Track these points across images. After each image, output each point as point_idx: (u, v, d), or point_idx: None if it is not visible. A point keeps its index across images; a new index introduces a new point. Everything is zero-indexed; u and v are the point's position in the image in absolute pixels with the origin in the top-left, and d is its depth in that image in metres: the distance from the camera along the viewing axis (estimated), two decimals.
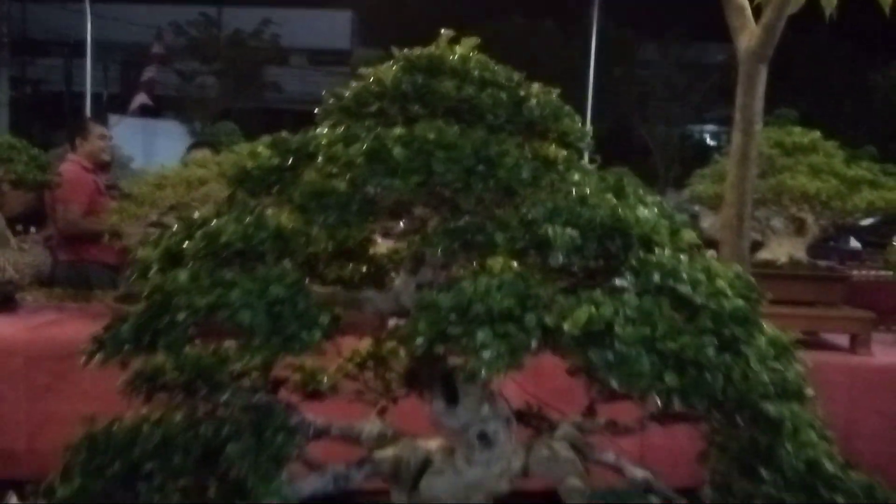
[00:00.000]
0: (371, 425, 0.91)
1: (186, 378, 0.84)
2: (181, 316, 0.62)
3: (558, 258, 0.62)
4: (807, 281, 2.97)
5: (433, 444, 0.85)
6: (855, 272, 4.37)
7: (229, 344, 0.91)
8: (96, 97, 7.68)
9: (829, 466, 0.61)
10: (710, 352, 0.56)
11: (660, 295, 0.60)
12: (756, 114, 1.91)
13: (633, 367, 0.55)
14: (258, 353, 0.61)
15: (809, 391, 0.63)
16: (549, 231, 0.62)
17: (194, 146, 4.15)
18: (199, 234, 0.72)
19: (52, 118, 8.38)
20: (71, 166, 3.49)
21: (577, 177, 0.73)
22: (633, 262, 0.63)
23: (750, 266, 2.18)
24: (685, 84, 9.28)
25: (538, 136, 0.74)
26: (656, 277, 0.61)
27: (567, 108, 0.76)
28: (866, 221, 5.06)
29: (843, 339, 2.95)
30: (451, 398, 0.79)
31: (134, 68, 8.39)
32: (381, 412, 0.98)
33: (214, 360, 0.87)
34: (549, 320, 0.57)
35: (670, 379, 0.55)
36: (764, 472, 0.63)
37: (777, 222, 3.04)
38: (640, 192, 0.75)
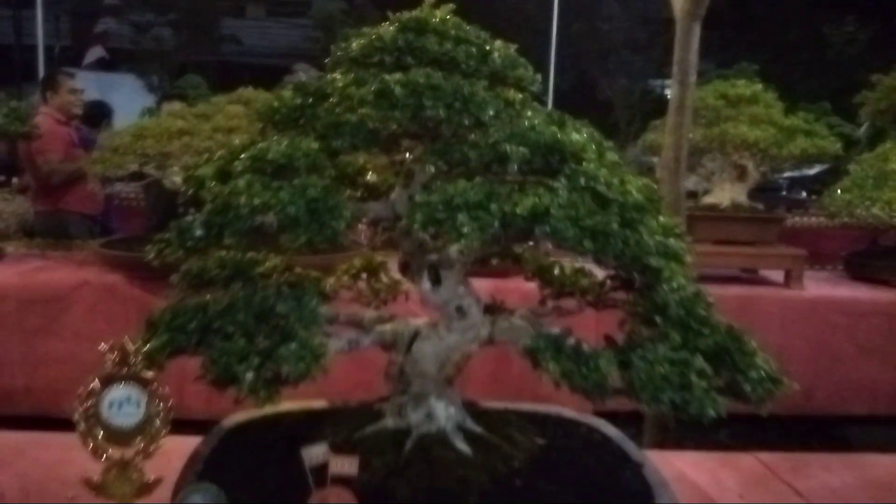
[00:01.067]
0: (370, 313, 1.19)
1: (227, 274, 1.11)
2: (244, 210, 0.88)
3: (513, 168, 0.90)
4: (746, 222, 3.33)
5: (420, 321, 1.13)
6: (796, 218, 4.77)
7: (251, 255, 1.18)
8: (48, 50, 7.63)
9: (700, 310, 0.91)
10: (615, 226, 0.85)
11: (583, 192, 0.88)
12: (691, 67, 2.20)
13: (562, 235, 0.83)
14: (303, 236, 0.87)
15: (688, 257, 0.92)
16: (507, 149, 0.89)
17: (166, 99, 4.32)
18: (244, 155, 0.98)
19: (2, 72, 8.31)
20: (44, 119, 3.66)
21: (529, 113, 1.01)
22: (567, 171, 0.91)
23: (685, 201, 2.50)
24: (646, 39, 9.57)
25: (500, 82, 1.01)
26: (582, 180, 0.89)
27: (522, 59, 1.03)
28: (811, 172, 5.46)
29: (779, 276, 3.32)
30: (436, 281, 1.07)
31: (87, 20, 8.33)
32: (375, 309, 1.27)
33: (249, 260, 1.14)
34: (506, 207, 0.85)
35: (587, 244, 0.84)
36: (657, 319, 0.92)
37: (718, 169, 3.37)
38: (576, 124, 1.04)
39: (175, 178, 3.65)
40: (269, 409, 1.27)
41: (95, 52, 9.00)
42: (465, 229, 0.83)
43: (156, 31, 9.11)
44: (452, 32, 1.00)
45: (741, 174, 3.40)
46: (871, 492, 1.43)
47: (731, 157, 3.34)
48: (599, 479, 1.07)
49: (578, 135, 0.97)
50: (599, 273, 1.19)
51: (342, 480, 0.90)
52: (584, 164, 0.93)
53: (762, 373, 0.90)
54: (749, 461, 1.57)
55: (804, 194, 6.10)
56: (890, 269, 3.32)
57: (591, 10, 9.78)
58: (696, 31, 2.24)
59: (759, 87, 3.38)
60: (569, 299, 1.24)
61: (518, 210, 0.84)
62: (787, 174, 5.90)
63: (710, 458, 1.59)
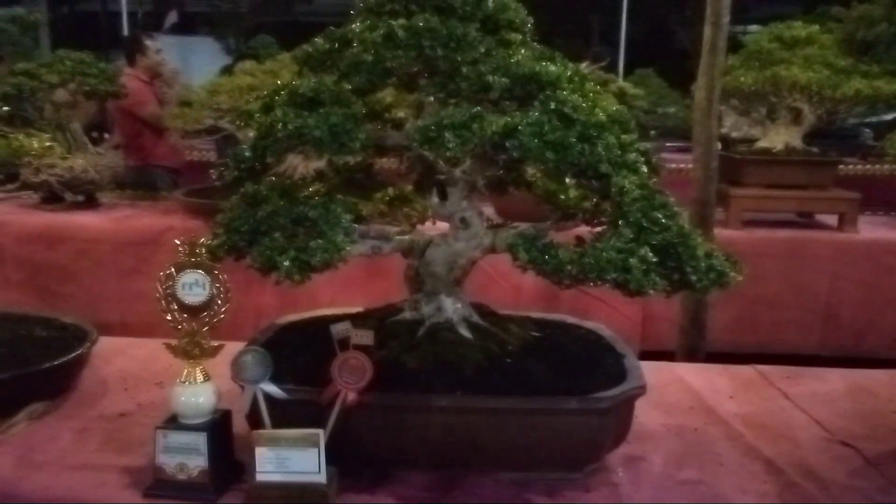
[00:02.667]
0: (395, 228, 1.43)
1: (276, 194, 1.36)
2: (281, 134, 1.13)
3: (495, 95, 1.12)
4: (799, 165, 3.39)
5: (433, 233, 1.37)
6: (866, 165, 4.72)
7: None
8: (131, 16, 8.14)
9: (657, 215, 1.10)
10: (573, 140, 1.05)
11: (552, 113, 1.09)
12: (724, 8, 2.31)
13: (527, 147, 1.04)
14: (326, 153, 1.12)
15: (643, 166, 1.11)
16: (491, 79, 1.11)
17: (240, 59, 4.66)
18: (283, 91, 1.23)
19: (90, 37, 8.90)
20: (130, 80, 4.04)
21: (523, 51, 1.22)
22: (542, 97, 1.12)
23: (717, 141, 2.61)
24: None
25: (494, 24, 1.22)
26: (552, 105, 1.10)
27: (514, 3, 1.23)
28: (887, 118, 5.33)
29: (833, 220, 3.38)
30: (443, 197, 1.31)
31: None
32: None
33: (294, 184, 1.39)
34: (484, 127, 1.07)
35: (549, 154, 1.05)
36: (620, 222, 1.13)
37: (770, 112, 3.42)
38: (562, 59, 1.24)
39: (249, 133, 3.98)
40: (313, 313, 1.55)
41: (171, 18, 9.52)
42: (451, 144, 1.06)
43: None
44: None
45: (796, 117, 3.45)
46: (854, 396, 1.60)
47: (785, 100, 3.40)
48: (582, 364, 1.29)
49: (555, 67, 1.17)
50: None
51: (361, 348, 1.15)
52: (558, 91, 1.14)
53: (706, 265, 1.09)
54: (748, 371, 1.75)
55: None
56: None
57: None
58: None
59: (815, 28, 3.40)
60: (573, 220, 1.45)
61: (493, 128, 1.06)
62: (868, 120, 5.77)
63: (712, 368, 1.78)
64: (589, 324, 1.53)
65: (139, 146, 4.12)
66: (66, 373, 1.50)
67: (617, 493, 1.19)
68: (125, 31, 7.53)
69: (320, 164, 3.64)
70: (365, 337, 1.16)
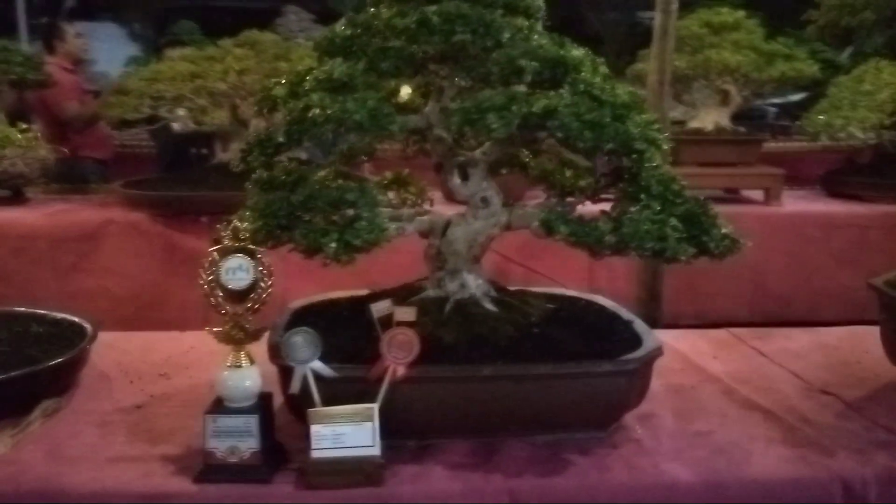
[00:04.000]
0: (407, 210, 1.48)
1: (293, 179, 1.39)
2: (320, 119, 1.17)
3: (527, 78, 1.19)
4: (728, 144, 3.63)
5: (451, 212, 1.43)
6: (780, 143, 5.07)
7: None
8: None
9: (675, 186, 1.21)
10: (608, 120, 1.14)
11: (582, 95, 1.17)
12: None
13: (569, 127, 1.12)
14: (366, 137, 1.16)
15: (664, 144, 1.22)
16: (523, 63, 1.18)
17: (168, 45, 4.52)
18: (309, 77, 1.26)
19: None
20: (53, 69, 3.86)
21: (536, 36, 1.29)
22: (569, 80, 1.20)
23: (669, 123, 2.78)
24: None
25: (512, 10, 1.29)
26: (581, 87, 1.18)
27: None
28: (798, 97, 5.72)
29: (759, 195, 3.64)
30: (464, 178, 1.37)
31: None
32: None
33: (308, 169, 1.42)
34: (524, 108, 1.14)
35: (587, 133, 1.13)
36: (642, 196, 1.22)
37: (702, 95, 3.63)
38: (575, 44, 1.33)
39: (174, 125, 3.89)
40: (322, 296, 1.58)
41: (70, 1, 9.04)
42: (494, 125, 1.12)
43: None
44: None
45: (724, 99, 3.68)
46: (821, 351, 1.77)
47: (714, 82, 3.62)
48: (599, 330, 1.39)
49: (577, 52, 1.25)
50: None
51: (404, 324, 1.21)
52: (582, 74, 1.22)
53: (722, 232, 1.21)
54: (722, 333, 1.91)
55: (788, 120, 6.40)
56: (862, 184, 3.64)
57: None
58: None
59: (741, 13, 3.64)
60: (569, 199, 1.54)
61: (534, 109, 1.13)
62: (772, 101, 6.18)
63: (690, 333, 1.92)
64: (587, 295, 1.63)
65: (65, 137, 3.94)
66: (73, 368, 1.48)
67: (642, 447, 1.30)
68: (20, 16, 7.12)
69: None
70: (408, 314, 1.21)
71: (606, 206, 1.33)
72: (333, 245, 1.16)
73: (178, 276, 3.19)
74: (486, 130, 1.14)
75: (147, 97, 3.19)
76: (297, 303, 1.55)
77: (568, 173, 1.52)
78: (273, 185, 1.38)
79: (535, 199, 1.51)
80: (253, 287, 1.18)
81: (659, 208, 1.18)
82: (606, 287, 3.33)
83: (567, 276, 3.16)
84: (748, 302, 3.46)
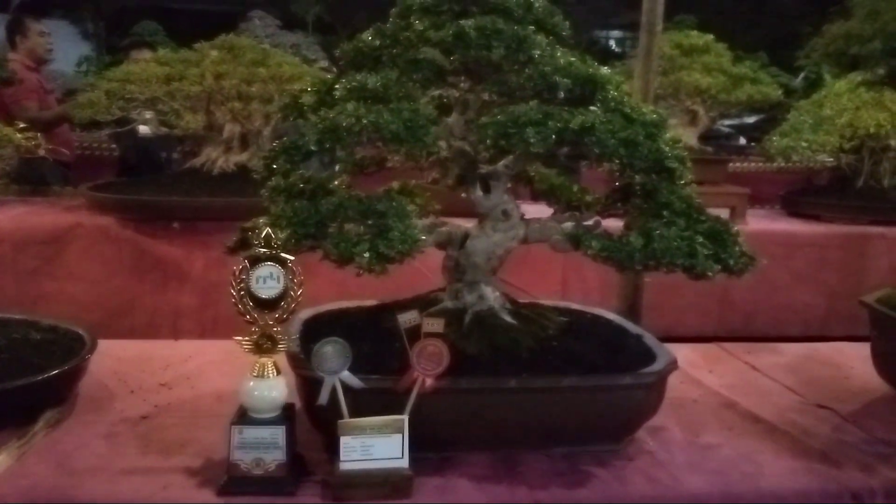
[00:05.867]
0: (424, 220, 1.49)
1: (312, 188, 1.38)
2: (356, 128, 1.16)
3: (560, 95, 1.21)
4: (695, 164, 3.71)
5: (468, 224, 1.44)
6: (738, 164, 5.24)
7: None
8: None
9: (696, 203, 1.25)
10: (641, 138, 1.17)
11: (615, 112, 1.20)
12: (657, 16, 2.53)
13: (605, 144, 1.15)
14: (403, 148, 1.16)
15: (687, 163, 1.26)
16: (557, 80, 1.20)
17: (133, 47, 4.42)
18: (338, 86, 1.25)
19: None
20: (16, 66, 3.73)
21: (559, 52, 1.32)
22: (600, 97, 1.23)
23: None
24: None
25: (540, 28, 1.31)
26: (612, 104, 1.21)
27: (557, 8, 1.33)
28: (751, 120, 5.94)
29: (724, 213, 3.75)
30: (486, 190, 1.38)
31: None
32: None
33: (325, 177, 1.41)
34: (560, 124, 1.16)
35: (622, 150, 1.16)
36: (665, 213, 1.26)
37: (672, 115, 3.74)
38: (596, 62, 1.36)
39: (142, 128, 3.80)
40: (333, 306, 1.57)
41: None
42: (532, 139, 1.14)
43: None
44: None
45: (693, 119, 3.80)
46: (809, 366, 1.84)
47: (683, 102, 3.73)
48: (613, 344, 1.42)
49: (605, 70, 1.28)
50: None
51: (432, 335, 1.21)
52: (611, 92, 1.25)
53: (742, 250, 1.25)
54: (713, 348, 1.96)
55: (743, 141, 6.63)
56: (821, 205, 3.79)
57: None
58: None
59: (710, 37, 3.76)
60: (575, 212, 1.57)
61: (572, 125, 1.15)
62: (728, 122, 6.39)
63: (681, 347, 1.97)
64: (592, 309, 1.66)
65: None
66: (75, 378, 1.43)
67: (657, 460, 1.33)
68: None
69: (240, 157, 3.54)
70: (436, 325, 1.21)
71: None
72: (367, 255, 1.15)
73: (148, 283, 3.12)
74: (524, 145, 1.15)
75: (119, 98, 3.11)
76: (305, 312, 1.53)
77: (575, 188, 1.55)
78: (291, 194, 1.37)
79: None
80: (283, 296, 1.17)
81: (684, 225, 1.21)
82: (580, 300, 3.39)
83: (541, 289, 3.20)
84: (715, 317, 3.56)
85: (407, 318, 1.23)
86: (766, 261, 1.31)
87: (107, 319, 3.06)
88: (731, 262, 1.24)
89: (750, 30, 9.53)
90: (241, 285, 1.16)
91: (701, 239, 1.19)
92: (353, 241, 1.17)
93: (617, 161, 1.17)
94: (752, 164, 5.21)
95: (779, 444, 1.40)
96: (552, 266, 3.30)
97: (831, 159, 3.95)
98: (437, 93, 1.42)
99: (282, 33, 5.61)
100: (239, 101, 3.16)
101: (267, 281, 1.16)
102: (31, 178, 3.66)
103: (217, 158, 3.31)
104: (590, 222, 1.32)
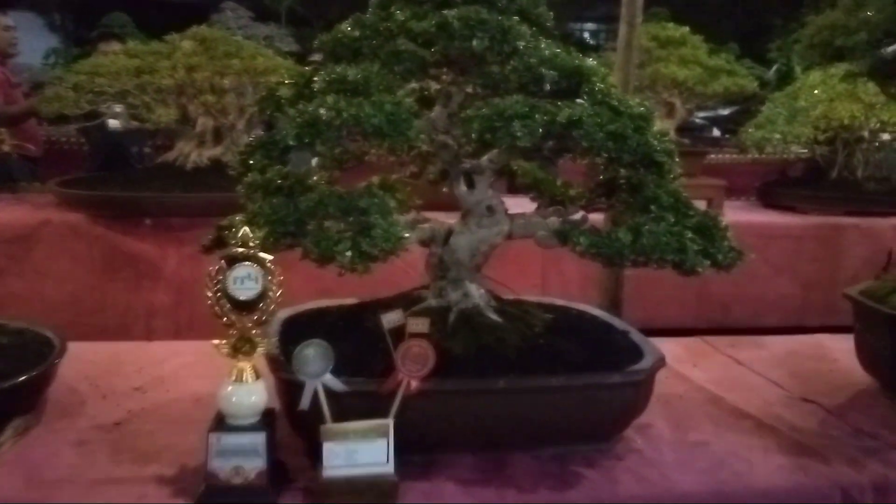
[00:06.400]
0: (406, 216, 1.44)
1: (289, 184, 1.33)
2: (337, 122, 1.11)
3: (546, 87, 1.18)
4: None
5: (452, 221, 1.40)
6: (712, 155, 5.25)
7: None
8: None
9: (683, 198, 1.22)
10: (629, 131, 1.14)
11: (602, 105, 1.16)
12: (638, 8, 2.50)
13: (593, 137, 1.11)
14: (385, 142, 1.12)
15: (675, 157, 1.23)
16: (543, 71, 1.16)
17: (101, 39, 4.30)
18: (317, 78, 1.20)
19: None
20: None
21: (543, 44, 1.28)
22: (587, 90, 1.19)
23: None
24: None
25: (524, 18, 1.27)
26: (599, 97, 1.18)
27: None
28: (725, 112, 5.96)
29: (701, 205, 3.74)
30: (469, 185, 1.34)
31: None
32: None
33: (301, 175, 1.36)
34: (547, 117, 1.12)
35: (610, 144, 1.12)
36: (653, 207, 1.23)
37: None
38: (587, 57, 1.32)
39: (126, 119, 3.70)
40: (312, 305, 1.52)
41: None
42: (519, 134, 1.10)
43: None
44: None
45: (670, 111, 3.79)
46: (793, 359, 1.83)
47: (660, 95, 3.72)
48: (600, 341, 1.39)
49: (590, 61, 1.25)
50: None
51: (417, 336, 1.17)
52: (597, 84, 1.22)
53: (730, 245, 1.22)
54: (696, 342, 1.94)
55: (717, 133, 6.66)
56: (797, 196, 3.80)
57: None
58: None
59: (686, 29, 3.75)
60: (558, 206, 1.54)
61: (559, 118, 1.12)
62: (702, 114, 6.41)
63: (664, 341, 1.94)
64: (577, 305, 1.63)
65: None
66: (44, 383, 1.37)
67: (645, 459, 1.30)
68: None
69: (214, 152, 3.45)
70: (421, 325, 1.17)
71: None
72: (348, 253, 1.11)
73: (120, 281, 3.04)
74: (510, 139, 1.11)
75: (87, 92, 3.02)
76: (284, 312, 1.48)
77: (559, 182, 1.51)
78: (269, 190, 1.32)
79: None
80: (262, 297, 1.12)
81: (673, 220, 1.18)
82: (560, 294, 3.36)
83: (520, 283, 3.17)
84: (693, 309, 3.56)
85: (390, 319, 1.19)
86: (753, 255, 1.28)
87: (78, 318, 2.97)
88: (720, 256, 1.22)
89: (720, 21, 9.57)
90: (218, 286, 1.10)
91: (690, 234, 1.16)
92: (334, 239, 1.13)
93: (605, 155, 1.13)
94: (727, 156, 5.22)
95: (767, 441, 1.38)
96: (531, 259, 3.28)
97: (805, 151, 3.97)
98: (417, 85, 1.38)
99: (254, 25, 5.51)
100: (212, 94, 3.08)
101: (245, 282, 1.11)
102: None
103: (190, 153, 3.23)
104: (576, 217, 1.29)
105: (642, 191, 1.26)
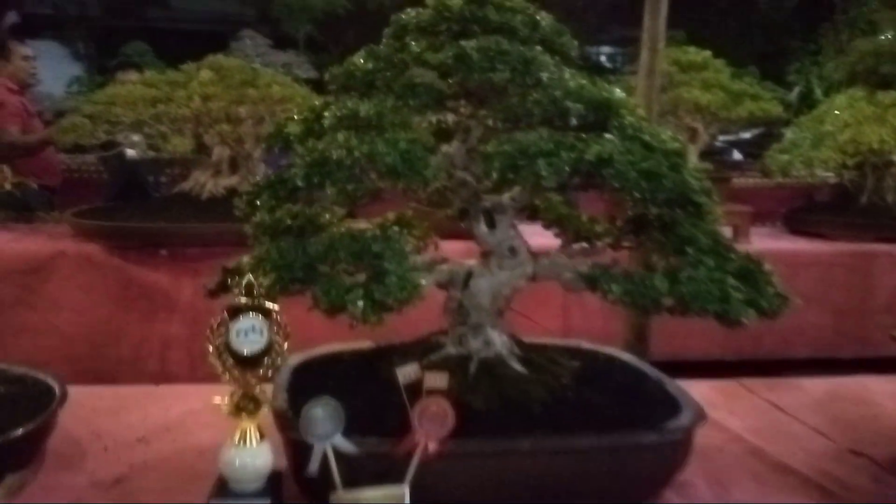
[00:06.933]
0: (422, 256, 1.35)
1: (299, 224, 1.24)
2: (347, 162, 1.02)
3: (573, 122, 1.08)
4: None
5: (471, 262, 1.30)
6: (738, 179, 5.13)
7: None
8: None
9: (722, 239, 1.11)
10: (665, 169, 1.04)
11: (633, 141, 1.07)
12: (660, 33, 2.41)
13: (625, 176, 1.01)
14: (400, 183, 1.03)
15: (714, 196, 1.12)
16: (569, 105, 1.07)
17: (119, 68, 4.29)
18: (328, 114, 1.12)
19: None
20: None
21: (567, 74, 1.18)
22: (616, 123, 1.09)
23: None
24: (583, 6, 9.85)
25: (547, 48, 1.18)
26: (630, 131, 1.08)
27: (565, 27, 1.20)
28: (747, 135, 5.84)
29: (727, 232, 3.62)
30: (490, 225, 1.24)
31: None
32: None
33: (315, 213, 1.27)
34: (574, 154, 1.03)
35: (645, 184, 1.02)
36: (689, 250, 1.12)
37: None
38: (607, 83, 1.22)
39: (130, 151, 3.66)
40: (323, 350, 1.43)
41: (10, 18, 8.59)
42: (544, 173, 1.00)
43: None
44: (507, 4, 1.16)
45: (692, 137, 3.68)
46: (836, 404, 1.70)
47: (683, 120, 3.62)
48: (632, 391, 1.28)
49: (618, 92, 1.15)
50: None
51: (434, 392, 1.06)
52: (627, 117, 1.12)
53: (776, 290, 1.11)
54: (731, 385, 1.82)
55: (737, 156, 6.52)
56: (826, 223, 3.67)
57: None
58: None
59: (708, 53, 3.65)
60: (584, 243, 1.43)
61: (587, 156, 1.02)
62: (723, 138, 6.29)
63: (696, 384, 1.82)
64: (605, 349, 1.52)
65: (8, 161, 3.65)
66: (42, 436, 1.28)
67: None
68: None
69: (230, 181, 3.39)
70: (439, 380, 1.07)
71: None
72: (360, 303, 1.01)
73: (135, 312, 2.97)
74: (535, 178, 1.02)
75: (103, 122, 2.97)
76: (295, 358, 1.39)
77: (584, 218, 1.41)
78: (278, 231, 1.23)
79: None
80: (267, 350, 1.02)
81: (713, 264, 1.07)
82: (582, 326, 3.25)
83: (541, 313, 3.07)
84: (721, 340, 3.41)
85: (406, 373, 1.09)
86: (800, 301, 1.17)
87: (92, 352, 2.92)
88: (766, 304, 1.11)
89: (738, 44, 9.45)
90: (220, 340, 1.01)
91: (732, 280, 1.06)
92: (345, 286, 1.03)
93: (637, 194, 1.03)
94: (750, 181, 5.09)
95: (815, 501, 1.26)
96: (553, 289, 3.17)
97: (832, 175, 3.84)
98: (434, 118, 1.29)
99: (273, 52, 5.49)
100: (228, 123, 3.03)
101: (248, 334, 1.02)
102: (14, 204, 3.51)
103: (206, 182, 3.17)
104: (604, 258, 1.18)
105: (676, 230, 1.15)
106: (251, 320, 1.01)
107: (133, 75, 3.93)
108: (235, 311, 1.01)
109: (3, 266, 2.91)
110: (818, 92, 7.24)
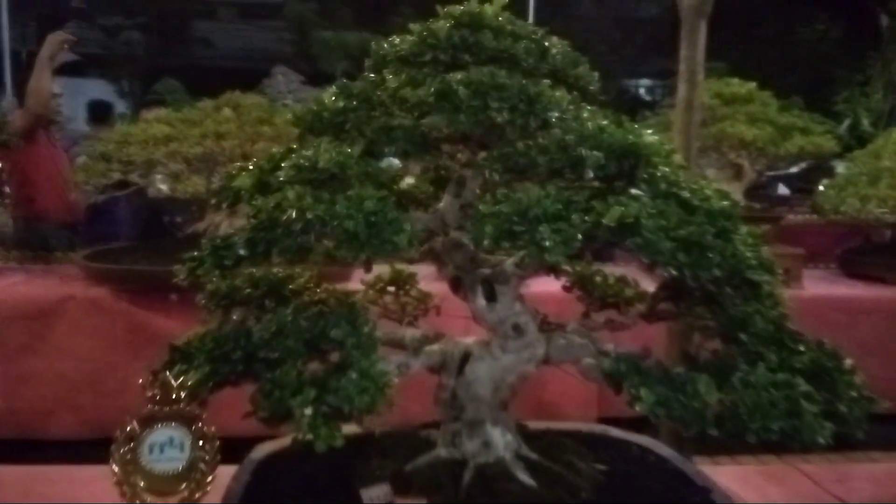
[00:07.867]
0: (412, 331, 1.09)
1: (260, 293, 1.01)
2: (296, 226, 0.79)
3: (589, 174, 0.82)
4: (745, 222, 3.29)
5: (469, 340, 1.05)
6: (788, 216, 4.77)
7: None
8: (15, 55, 7.38)
9: (789, 324, 0.84)
10: (709, 238, 0.77)
11: (667, 198, 0.80)
12: (698, 65, 2.14)
13: (657, 248, 0.75)
14: (362, 253, 0.78)
15: (777, 273, 0.85)
16: (583, 153, 0.81)
17: (144, 105, 4.17)
18: (286, 164, 0.88)
19: None
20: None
21: (586, 113, 0.93)
22: (644, 176, 0.83)
23: None
24: (621, 38, 9.60)
25: (560, 81, 0.93)
26: (663, 186, 0.82)
27: (582, 56, 0.95)
28: (794, 169, 5.47)
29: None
30: (490, 297, 0.99)
31: (53, 24, 8.10)
32: (409, 325, 1.18)
33: (281, 278, 1.04)
34: (589, 218, 0.77)
35: (682, 257, 0.76)
36: (743, 337, 0.85)
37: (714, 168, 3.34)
38: (636, 124, 0.96)
39: (161, 187, 3.51)
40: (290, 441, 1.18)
41: (62, 57, 8.74)
42: (548, 243, 0.75)
43: (125, 34, 8.86)
44: (508, 28, 0.92)
45: (737, 173, 3.37)
46: None
47: (727, 155, 3.32)
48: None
49: (648, 136, 0.89)
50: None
51: None
52: (659, 167, 0.86)
53: (858, 392, 0.83)
54: (793, 474, 1.51)
55: (783, 190, 6.13)
56: (886, 266, 3.30)
57: (566, 10, 9.79)
58: (703, 28, 2.17)
59: (753, 85, 3.36)
60: (611, 310, 1.17)
61: (605, 220, 0.76)
62: (769, 172, 5.93)
63: (753, 473, 1.52)
64: (637, 438, 1.24)
65: (29, 197, 3.52)
66: None
67: None
68: (7, 72, 6.80)
69: (245, 222, 3.17)
70: (379, 495, 0.82)
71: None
72: (309, 410, 0.76)
73: (143, 360, 2.76)
74: (536, 249, 0.76)
75: (115, 161, 2.81)
76: (260, 450, 1.14)
77: (611, 279, 1.15)
78: (234, 301, 1.00)
79: None
80: (190, 470, 0.78)
81: (776, 360, 0.80)
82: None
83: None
84: None
85: (373, 495, 0.83)
86: (887, 403, 0.89)
87: (98, 400, 2.72)
88: (845, 409, 0.82)
89: (780, 75, 9.07)
90: (128, 456, 0.77)
91: (803, 384, 0.78)
92: (292, 388, 0.79)
93: (673, 271, 0.77)
94: (799, 217, 4.73)
95: None
96: None
97: (888, 213, 3.48)
98: (434, 162, 1.06)
99: (305, 88, 5.35)
100: (243, 161, 2.84)
101: (165, 450, 0.78)
102: (34, 243, 3.37)
103: (220, 223, 2.98)
104: (633, 350, 0.91)
105: (726, 307, 0.88)
106: (168, 431, 0.77)
107: (160, 113, 3.80)
108: (148, 420, 0.77)
109: (10, 311, 2.75)
110: (865, 123, 6.83)
